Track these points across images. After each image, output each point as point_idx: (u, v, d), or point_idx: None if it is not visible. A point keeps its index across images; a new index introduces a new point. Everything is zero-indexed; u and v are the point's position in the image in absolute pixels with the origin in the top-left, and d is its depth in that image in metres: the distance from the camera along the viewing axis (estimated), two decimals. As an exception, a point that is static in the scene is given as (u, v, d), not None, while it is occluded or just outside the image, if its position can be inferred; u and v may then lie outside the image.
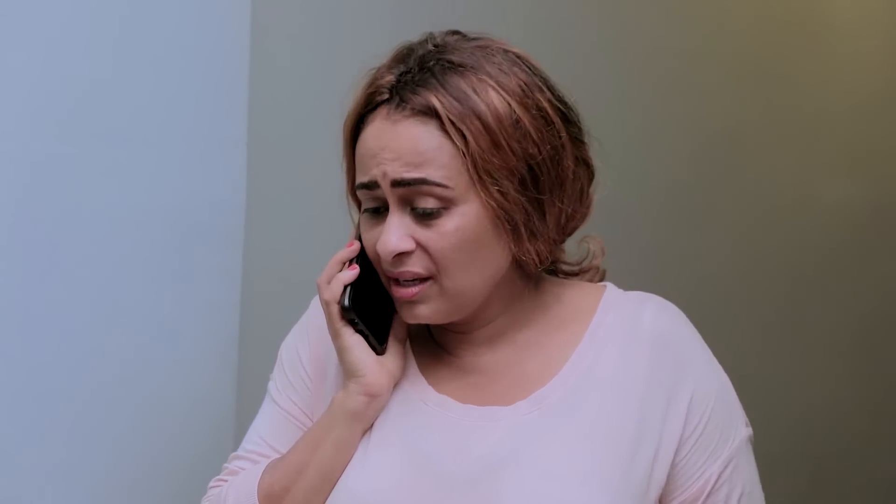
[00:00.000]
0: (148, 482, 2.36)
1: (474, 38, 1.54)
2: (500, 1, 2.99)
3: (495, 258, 1.51)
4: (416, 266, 1.49)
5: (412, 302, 1.51)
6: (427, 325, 1.60)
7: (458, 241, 1.48)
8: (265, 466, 1.58)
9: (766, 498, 1.61)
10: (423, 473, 1.51)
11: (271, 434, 1.62)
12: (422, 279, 1.50)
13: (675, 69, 3.63)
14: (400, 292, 1.51)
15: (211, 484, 1.62)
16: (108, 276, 2.29)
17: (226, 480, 1.61)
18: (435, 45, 1.52)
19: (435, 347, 1.60)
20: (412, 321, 1.54)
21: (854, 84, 4.29)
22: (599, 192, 1.58)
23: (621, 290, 1.61)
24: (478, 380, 1.56)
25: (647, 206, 3.53)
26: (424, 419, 1.54)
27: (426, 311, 1.52)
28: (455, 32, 1.55)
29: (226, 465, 1.64)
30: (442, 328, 1.58)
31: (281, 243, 2.53)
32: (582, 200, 1.56)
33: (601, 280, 1.66)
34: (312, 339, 1.62)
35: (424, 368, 1.59)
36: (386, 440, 1.54)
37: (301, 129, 2.57)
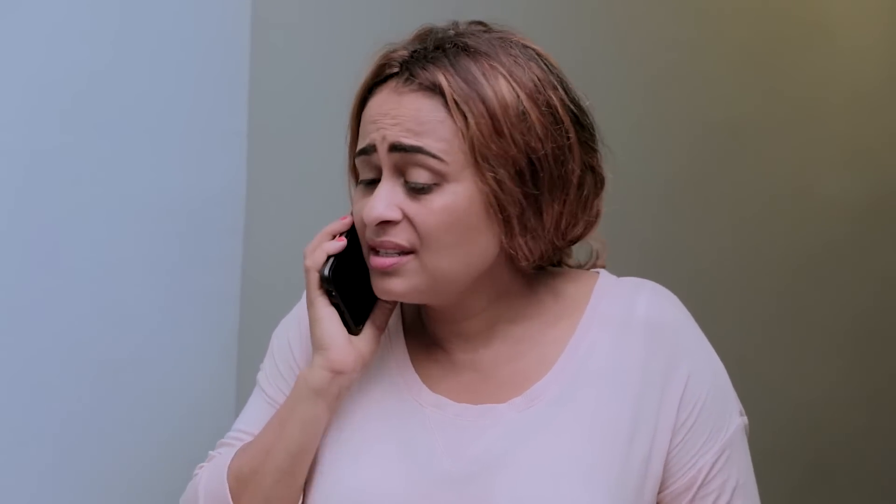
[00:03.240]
0: (146, 473, 2.36)
1: (497, 31, 1.54)
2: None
3: (482, 246, 1.49)
4: (399, 237, 1.47)
5: (387, 274, 1.48)
6: (421, 317, 1.58)
7: (445, 218, 1.46)
8: (237, 450, 1.56)
9: (764, 490, 1.59)
10: (419, 472, 1.50)
11: (258, 422, 1.59)
12: (403, 252, 1.48)
13: (673, 61, 3.63)
14: (377, 261, 1.48)
15: (195, 471, 1.61)
16: (107, 268, 2.30)
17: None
18: (456, 31, 1.53)
19: (429, 343, 1.58)
20: (383, 296, 1.50)
21: (853, 77, 4.29)
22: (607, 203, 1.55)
23: (615, 277, 1.59)
24: (472, 377, 1.54)
25: (645, 199, 3.53)
26: (420, 418, 1.53)
27: (400, 287, 1.48)
28: (479, 23, 1.55)
29: (211, 451, 1.62)
30: (435, 320, 1.56)
31: (281, 234, 2.53)
32: (586, 209, 1.53)
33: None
34: (304, 329, 1.59)
35: (419, 366, 1.56)
36: (381, 439, 1.53)
37: (301, 121, 2.57)
